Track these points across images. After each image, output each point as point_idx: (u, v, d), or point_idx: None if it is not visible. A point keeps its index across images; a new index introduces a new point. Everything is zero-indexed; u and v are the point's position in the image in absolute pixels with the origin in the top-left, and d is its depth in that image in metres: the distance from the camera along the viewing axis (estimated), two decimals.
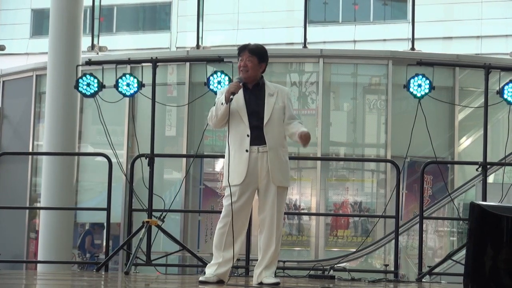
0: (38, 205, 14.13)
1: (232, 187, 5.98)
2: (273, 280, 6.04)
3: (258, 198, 6.10)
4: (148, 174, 8.21)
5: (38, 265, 11.55)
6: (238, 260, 6.70)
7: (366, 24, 23.29)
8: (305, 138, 5.96)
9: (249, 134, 6.01)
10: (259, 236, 6.10)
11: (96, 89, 8.42)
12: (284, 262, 8.17)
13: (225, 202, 6.04)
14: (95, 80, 8.40)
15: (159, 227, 7.91)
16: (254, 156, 6.01)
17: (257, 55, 6.15)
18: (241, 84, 6.06)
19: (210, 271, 6.05)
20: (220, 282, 6.04)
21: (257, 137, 6.02)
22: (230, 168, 5.99)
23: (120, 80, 8.32)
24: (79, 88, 8.43)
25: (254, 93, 6.14)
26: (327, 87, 13.65)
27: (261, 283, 6.05)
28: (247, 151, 5.99)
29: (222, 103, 5.97)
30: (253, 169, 6.00)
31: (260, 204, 6.09)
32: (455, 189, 12.40)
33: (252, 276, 6.24)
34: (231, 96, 5.95)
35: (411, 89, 8.20)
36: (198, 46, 14.72)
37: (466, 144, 13.62)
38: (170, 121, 14.23)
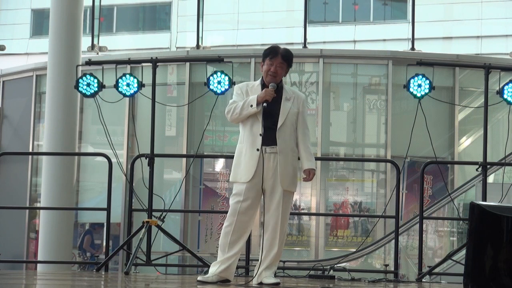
0: (38, 205, 14.12)
1: (239, 185, 6.06)
2: (273, 280, 6.05)
3: (264, 200, 6.11)
4: (148, 174, 8.21)
5: (38, 265, 11.54)
6: (238, 260, 6.69)
7: (366, 24, 23.27)
8: (310, 178, 6.23)
9: (261, 133, 6.04)
10: (262, 237, 6.11)
11: (96, 89, 8.40)
12: (284, 262, 8.16)
13: (232, 200, 6.08)
14: (95, 80, 8.38)
15: (159, 227, 7.91)
16: (262, 155, 6.02)
17: (287, 61, 6.22)
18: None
19: (213, 269, 6.07)
20: (225, 281, 6.06)
21: (268, 137, 6.07)
22: (240, 165, 6.06)
23: (120, 80, 8.31)
24: (79, 88, 8.42)
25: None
26: (327, 87, 13.65)
27: (261, 283, 6.07)
28: (258, 150, 6.04)
29: (251, 105, 6.01)
30: (261, 168, 6.02)
31: (266, 205, 6.12)
32: (455, 189, 12.39)
33: (252, 276, 6.25)
34: (264, 104, 6.00)
35: (411, 89, 8.19)
36: (198, 46, 14.72)
37: (466, 144, 13.61)
38: (170, 121, 14.22)
